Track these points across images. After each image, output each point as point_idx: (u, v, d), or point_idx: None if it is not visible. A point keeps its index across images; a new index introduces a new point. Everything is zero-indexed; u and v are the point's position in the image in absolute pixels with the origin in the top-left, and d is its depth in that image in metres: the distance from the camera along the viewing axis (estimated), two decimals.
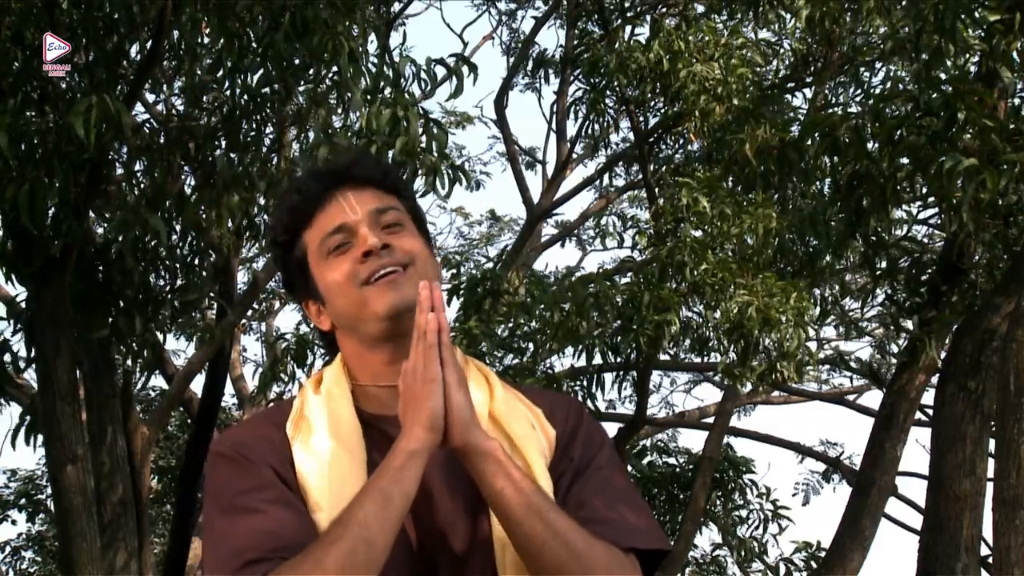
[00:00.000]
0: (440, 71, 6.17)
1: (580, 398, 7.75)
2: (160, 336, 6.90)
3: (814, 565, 9.56)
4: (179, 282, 6.51)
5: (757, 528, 9.91)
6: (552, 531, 1.42)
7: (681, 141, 9.32)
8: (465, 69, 6.11)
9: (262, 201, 6.18)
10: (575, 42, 9.88)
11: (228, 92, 5.96)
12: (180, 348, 14.20)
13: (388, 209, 1.58)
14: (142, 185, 6.35)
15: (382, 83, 5.84)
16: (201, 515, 8.06)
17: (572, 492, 1.54)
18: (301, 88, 6.04)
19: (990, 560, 6.00)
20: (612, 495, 1.54)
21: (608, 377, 7.99)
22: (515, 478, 1.44)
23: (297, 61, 5.72)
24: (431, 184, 5.68)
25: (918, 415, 8.86)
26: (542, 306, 6.84)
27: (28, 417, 6.28)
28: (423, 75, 6.00)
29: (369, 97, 5.67)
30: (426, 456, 1.44)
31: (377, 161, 1.66)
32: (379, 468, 1.43)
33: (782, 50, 9.11)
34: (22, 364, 6.19)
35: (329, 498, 1.47)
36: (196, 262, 6.60)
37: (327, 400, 1.56)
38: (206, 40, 6.04)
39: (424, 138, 5.69)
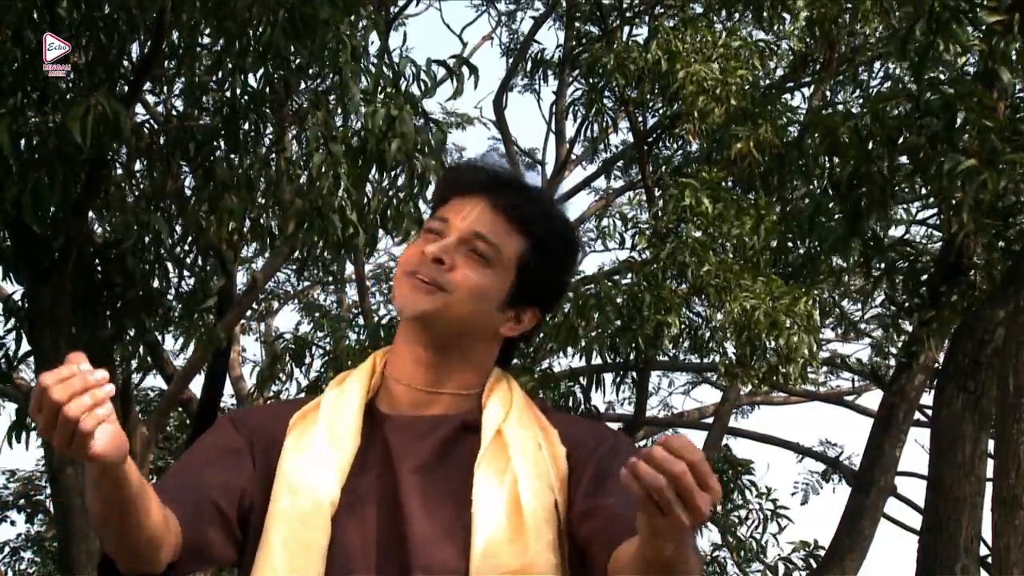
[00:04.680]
0: (440, 72, 6.18)
1: (578, 398, 7.74)
2: (159, 336, 6.89)
3: (813, 564, 9.57)
4: (177, 280, 6.50)
5: (756, 528, 9.91)
6: None
7: (680, 142, 9.33)
8: (465, 71, 6.11)
9: (262, 201, 6.18)
10: (574, 43, 9.88)
11: (228, 92, 5.95)
12: (179, 348, 14.10)
13: (492, 242, 1.54)
14: (142, 186, 6.34)
15: (381, 83, 5.83)
16: None
17: (591, 501, 1.49)
18: (301, 87, 6.04)
19: (989, 560, 6.01)
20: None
21: (607, 377, 7.99)
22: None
23: (299, 60, 5.71)
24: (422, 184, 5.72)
25: (918, 415, 8.87)
26: None
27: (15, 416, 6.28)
28: (423, 76, 5.99)
29: (367, 97, 5.66)
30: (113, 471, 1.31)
31: (538, 202, 1.61)
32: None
33: (780, 50, 9.12)
34: (17, 362, 6.18)
35: (296, 483, 1.49)
36: (198, 263, 6.59)
37: (339, 395, 1.58)
38: (206, 40, 6.03)
39: (420, 137, 5.71)
